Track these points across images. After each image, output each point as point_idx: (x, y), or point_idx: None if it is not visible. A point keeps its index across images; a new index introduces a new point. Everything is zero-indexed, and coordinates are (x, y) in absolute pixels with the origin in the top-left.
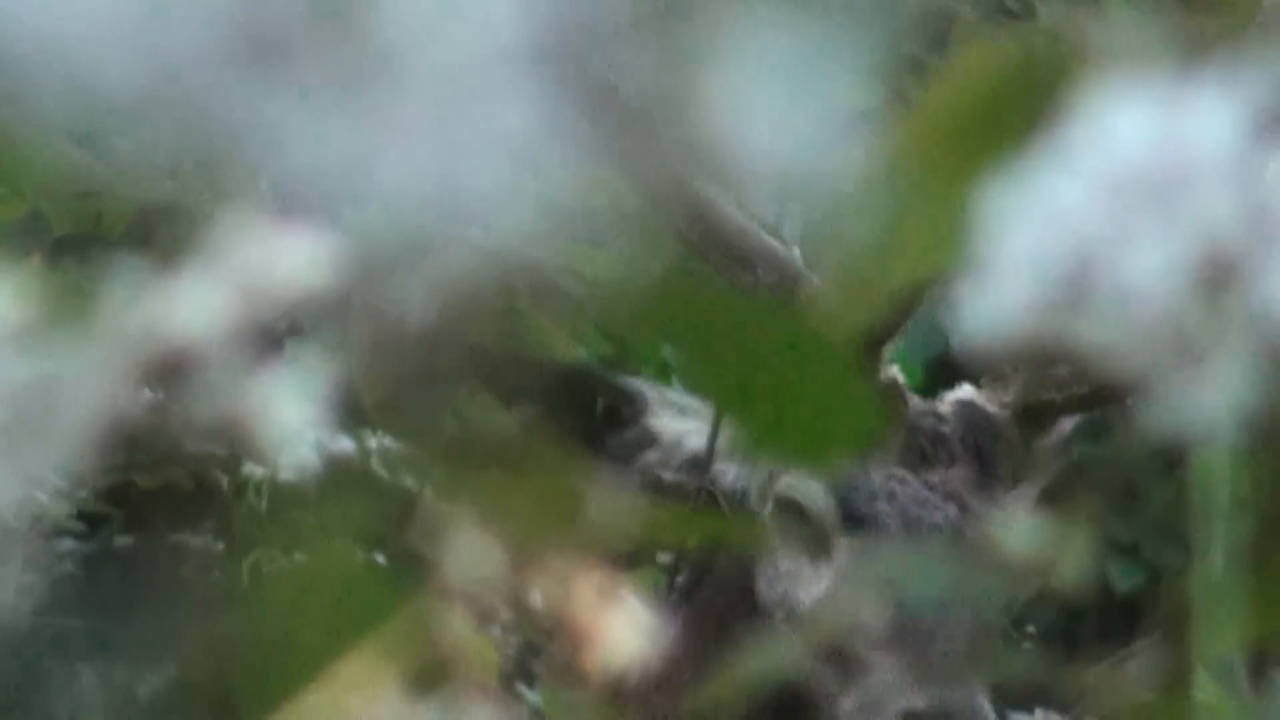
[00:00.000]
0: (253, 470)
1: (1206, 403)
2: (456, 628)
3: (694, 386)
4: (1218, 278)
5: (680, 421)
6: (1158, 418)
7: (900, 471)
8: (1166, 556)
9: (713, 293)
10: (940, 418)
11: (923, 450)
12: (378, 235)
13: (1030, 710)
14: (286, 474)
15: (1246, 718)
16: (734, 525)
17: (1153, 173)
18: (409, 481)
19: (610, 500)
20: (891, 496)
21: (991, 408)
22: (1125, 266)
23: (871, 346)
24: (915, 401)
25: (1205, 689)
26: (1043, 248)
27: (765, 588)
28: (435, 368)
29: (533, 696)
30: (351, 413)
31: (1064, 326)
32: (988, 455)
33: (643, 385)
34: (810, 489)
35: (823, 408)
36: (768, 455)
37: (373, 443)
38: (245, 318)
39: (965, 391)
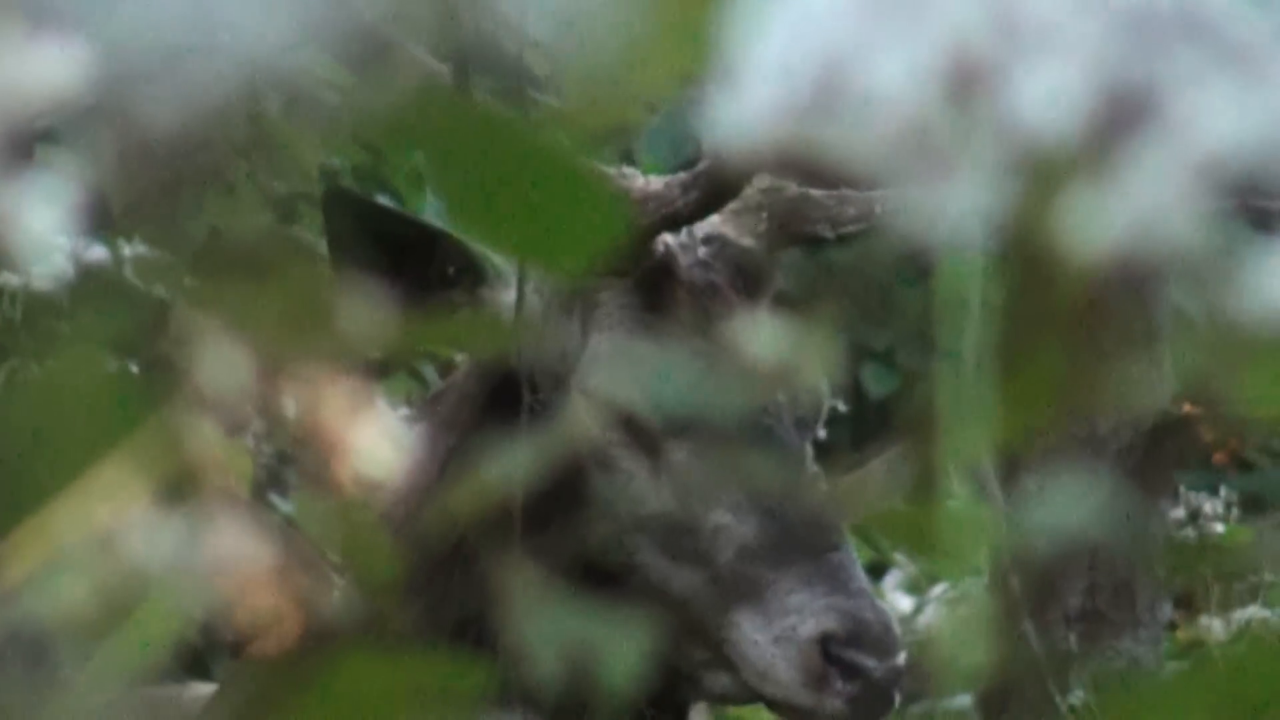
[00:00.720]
0: (6, 278)
1: (954, 208)
2: (208, 437)
3: (443, 194)
4: (965, 83)
5: (508, 296)
6: (907, 223)
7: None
8: (920, 362)
9: (461, 101)
10: (706, 265)
11: (706, 310)
12: (129, 41)
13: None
14: (40, 282)
15: (994, 522)
16: (485, 330)
17: None
18: (160, 289)
19: (364, 309)
20: None
21: (745, 240)
22: (874, 72)
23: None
24: (675, 250)
25: (955, 494)
26: (792, 53)
27: (600, 485)
28: (185, 175)
29: (285, 506)
30: (103, 220)
31: (812, 132)
32: (755, 293)
33: (484, 258)
34: (629, 388)
35: (565, 211)
36: (515, 258)
37: (125, 250)
38: None
39: (712, 224)
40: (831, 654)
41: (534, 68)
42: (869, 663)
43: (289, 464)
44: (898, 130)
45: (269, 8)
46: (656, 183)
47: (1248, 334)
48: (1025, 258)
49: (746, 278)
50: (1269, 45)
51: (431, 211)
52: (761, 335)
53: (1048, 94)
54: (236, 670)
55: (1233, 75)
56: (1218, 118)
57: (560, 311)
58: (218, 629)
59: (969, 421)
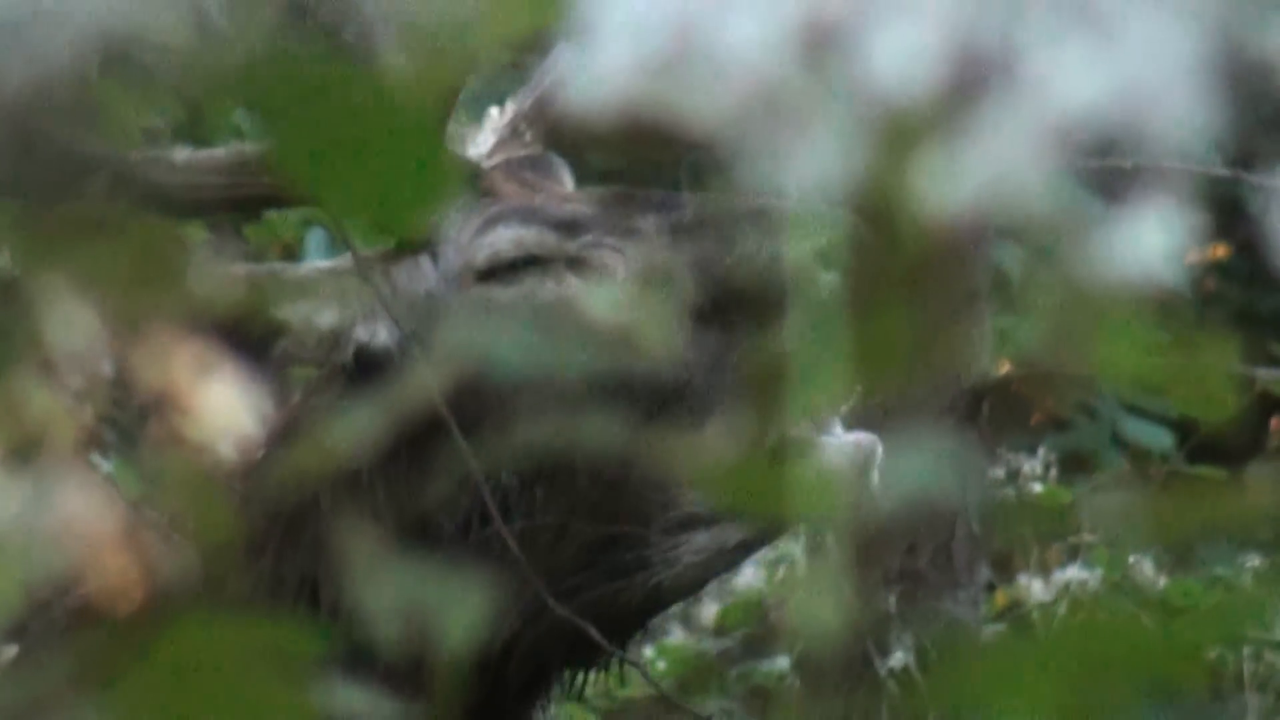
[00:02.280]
0: None
1: (806, 167)
2: (44, 399)
3: (275, 153)
4: (819, 43)
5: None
6: (753, 181)
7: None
8: None
9: (296, 58)
10: (569, 199)
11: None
12: None
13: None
14: None
15: (836, 480)
16: (328, 287)
17: None
18: None
19: (212, 271)
20: None
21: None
22: (727, 31)
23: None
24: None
25: (799, 448)
26: (646, 11)
27: (445, 449)
28: (19, 138)
29: (106, 465)
30: None
31: (665, 91)
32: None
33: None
34: None
35: (403, 169)
36: (350, 216)
37: None
38: None
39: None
40: None
41: (368, 26)
42: None
43: (112, 424)
44: (751, 90)
45: None
46: (488, 136)
47: (1093, 296)
48: (874, 217)
49: (545, 172)
50: (1121, 7)
51: None
52: (600, 294)
53: (901, 54)
54: (44, 634)
55: (1085, 37)
56: (1070, 79)
57: (403, 262)
58: (36, 589)
59: (814, 373)
